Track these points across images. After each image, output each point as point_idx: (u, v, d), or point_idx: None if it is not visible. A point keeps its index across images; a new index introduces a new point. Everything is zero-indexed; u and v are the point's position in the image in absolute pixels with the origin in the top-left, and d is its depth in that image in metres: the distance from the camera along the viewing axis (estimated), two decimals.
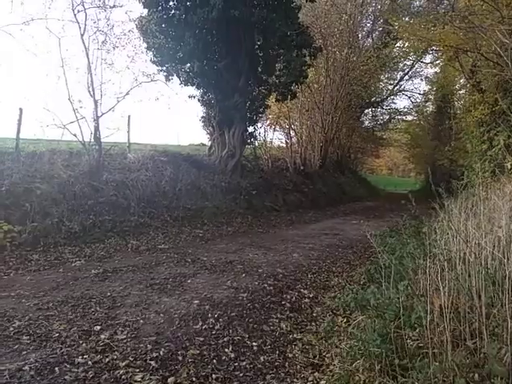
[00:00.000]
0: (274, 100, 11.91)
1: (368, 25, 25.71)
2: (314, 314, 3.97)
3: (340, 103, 19.44)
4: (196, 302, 3.97)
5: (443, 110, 28.45)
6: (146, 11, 9.81)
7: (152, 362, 2.77)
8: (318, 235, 8.54)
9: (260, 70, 10.92)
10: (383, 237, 6.92)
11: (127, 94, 8.84)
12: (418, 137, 33.71)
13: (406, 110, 32.36)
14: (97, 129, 8.25)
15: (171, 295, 4.17)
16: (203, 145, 15.92)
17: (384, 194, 29.27)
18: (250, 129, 11.74)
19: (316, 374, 2.81)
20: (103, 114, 8.47)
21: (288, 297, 4.33)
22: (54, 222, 6.38)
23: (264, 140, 13.44)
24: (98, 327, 3.29)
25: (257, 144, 12.91)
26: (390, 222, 12.10)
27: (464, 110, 14.83)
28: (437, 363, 1.93)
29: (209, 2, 8.70)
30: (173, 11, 9.71)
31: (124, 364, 2.71)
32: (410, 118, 34.00)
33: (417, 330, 2.29)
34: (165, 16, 9.13)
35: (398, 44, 27.02)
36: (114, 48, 9.03)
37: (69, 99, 7.96)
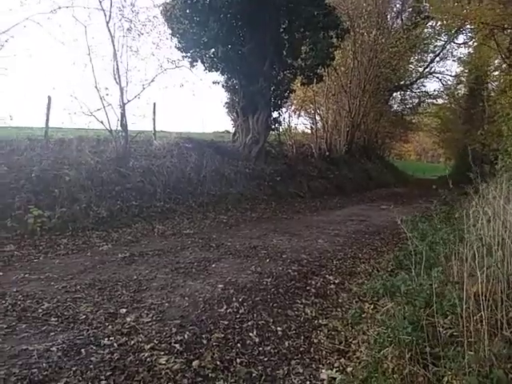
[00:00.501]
0: (299, 84, 11.65)
1: (397, 5, 24.71)
2: (340, 301, 3.88)
3: (368, 86, 18.89)
4: (220, 286, 3.97)
5: (476, 92, 27.15)
6: None
7: (177, 345, 2.78)
8: (343, 221, 8.38)
9: (285, 53, 10.68)
10: (414, 222, 6.72)
11: (152, 80, 8.86)
12: (449, 120, 32.43)
13: (436, 93, 31.13)
14: (123, 116, 8.34)
15: (196, 279, 4.19)
16: (228, 132, 15.88)
17: (412, 179, 28.50)
18: (275, 114, 11.60)
19: (342, 360, 2.74)
20: (129, 101, 8.54)
21: (313, 282, 4.26)
22: (82, 207, 6.53)
23: (288, 125, 13.25)
24: (124, 310, 3.34)
25: (281, 130, 12.73)
26: (419, 208, 11.76)
27: (499, 92, 14.04)
28: (472, 352, 1.83)
29: None
30: None
31: (149, 347, 2.73)
32: (440, 101, 32.70)
33: (449, 318, 2.17)
34: (189, 1, 9.02)
35: (429, 24, 25.94)
36: (139, 35, 9.04)
37: (95, 87, 8.07)
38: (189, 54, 10.34)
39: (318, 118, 15.20)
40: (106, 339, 2.81)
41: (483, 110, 25.83)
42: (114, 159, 8.12)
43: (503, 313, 2.17)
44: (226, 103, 11.54)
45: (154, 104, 9.42)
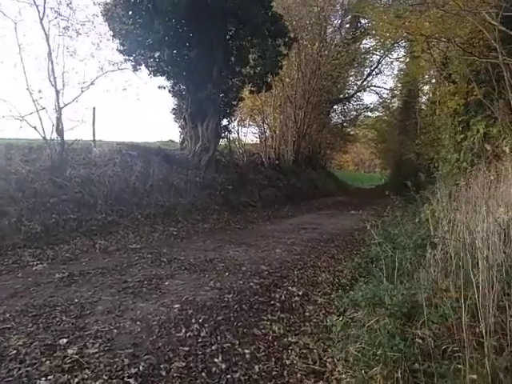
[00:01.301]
0: (247, 92, 11.53)
1: (335, 21, 25.83)
2: (307, 314, 3.66)
3: (311, 98, 19.34)
4: (177, 306, 3.56)
5: (409, 105, 29.06)
6: None
7: (131, 380, 2.37)
8: (296, 230, 8.28)
9: (233, 60, 10.49)
10: (380, 227, 6.78)
11: (92, 83, 8.17)
12: (385, 132, 34.29)
13: (373, 105, 32.92)
14: (59, 120, 7.56)
15: (148, 300, 3.73)
16: (172, 141, 15.28)
17: (352, 189, 29.62)
18: (224, 122, 11.33)
19: (320, 383, 2.49)
20: (66, 104, 7.77)
21: (277, 296, 4.00)
22: (11, 222, 5.73)
23: (238, 134, 13.07)
24: (65, 340, 2.83)
25: (231, 138, 12.51)
26: (363, 215, 12.15)
27: (436, 103, 15.02)
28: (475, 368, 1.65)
29: None
30: None
31: None
32: (377, 113, 34.65)
33: (440, 330, 2.01)
34: (132, 1, 8.52)
35: (365, 40, 27.48)
36: (77, 34, 8.34)
37: (27, 89, 7.23)
38: (132, 58, 9.74)
39: (266, 127, 15.22)
40: (44, 379, 2.33)
41: (416, 122, 27.78)
42: (48, 168, 7.31)
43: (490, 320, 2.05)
44: (173, 109, 11.06)
45: (94, 109, 8.72)
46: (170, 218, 7.86)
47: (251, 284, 4.25)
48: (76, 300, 3.70)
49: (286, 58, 11.71)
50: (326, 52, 18.98)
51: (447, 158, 9.88)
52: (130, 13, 9.23)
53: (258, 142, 15.63)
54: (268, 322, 3.37)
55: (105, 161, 8.45)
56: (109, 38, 8.96)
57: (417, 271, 3.84)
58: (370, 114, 34.68)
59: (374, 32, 18.09)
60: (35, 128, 7.20)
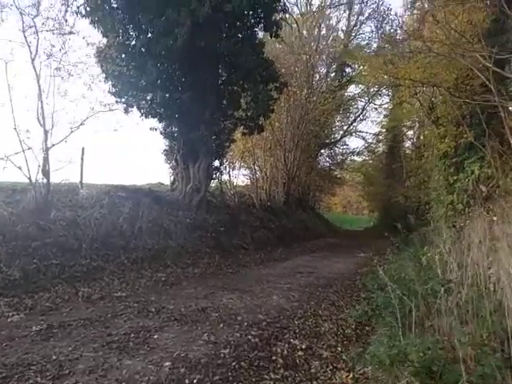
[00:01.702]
0: (239, 135, 11.58)
1: (322, 69, 26.98)
2: (313, 371, 3.30)
3: (300, 142, 19.64)
4: (167, 364, 3.18)
5: (394, 149, 29.82)
6: (104, 40, 9.28)
7: None
8: (292, 274, 7.93)
9: (225, 103, 10.60)
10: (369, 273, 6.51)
11: (82, 123, 8.04)
12: (372, 176, 34.80)
13: (358, 150, 33.67)
14: (46, 161, 7.31)
15: (134, 356, 3.33)
16: (161, 184, 15.08)
17: (341, 231, 29.42)
18: (216, 163, 11.25)
19: None
20: (54, 144, 7.58)
21: (278, 350, 3.63)
22: None
23: (229, 175, 12.97)
24: None
25: (223, 179, 12.37)
26: (358, 258, 11.88)
27: (422, 146, 15.35)
28: None
29: (173, 31, 8.35)
30: (133, 41, 9.28)
31: None
32: (362, 157, 35.40)
33: None
34: (126, 43, 8.64)
35: (350, 87, 28.67)
36: (68, 76, 8.33)
37: (14, 128, 7.05)
38: (123, 100, 9.73)
39: (257, 169, 15.20)
40: None
41: (401, 165, 28.35)
42: (32, 210, 6.96)
43: None
44: (165, 150, 10.97)
45: (83, 149, 8.53)
46: (158, 263, 7.45)
47: (249, 337, 3.88)
48: (54, 357, 3.29)
49: (279, 99, 11.90)
50: (314, 98, 19.55)
51: (440, 200, 9.85)
52: (124, 55, 9.35)
53: (249, 183, 15.57)
54: (271, 382, 3.00)
55: (92, 203, 8.14)
56: (101, 80, 8.97)
57: (428, 319, 3.57)
58: (356, 158, 35.42)
59: (360, 79, 18.82)
60: (20, 168, 6.93)
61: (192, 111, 9.54)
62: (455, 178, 8.62)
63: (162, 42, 8.58)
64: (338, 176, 37.76)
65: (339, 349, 3.80)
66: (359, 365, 3.45)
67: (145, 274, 6.82)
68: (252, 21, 10.12)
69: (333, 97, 23.30)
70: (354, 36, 26.78)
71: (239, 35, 9.72)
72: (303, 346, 3.78)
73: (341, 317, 4.89)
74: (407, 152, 28.60)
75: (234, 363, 3.25)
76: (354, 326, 4.54)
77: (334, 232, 26.07)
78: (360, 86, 28.43)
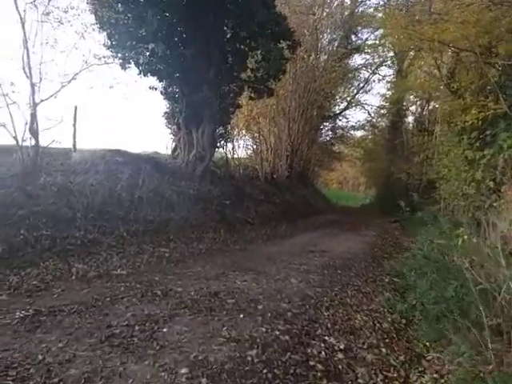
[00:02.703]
0: (247, 99, 10.66)
1: (329, 36, 25.61)
2: (361, 381, 2.70)
3: (305, 112, 18.70)
4: (184, 371, 2.54)
5: (397, 124, 29.00)
6: None
7: None
8: (304, 253, 7.33)
9: (231, 63, 9.62)
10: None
11: (74, 78, 7.17)
12: (372, 151, 34.03)
13: (361, 123, 32.73)
14: (33, 118, 6.48)
15: (141, 358, 2.70)
16: (157, 153, 14.19)
17: (338, 207, 28.92)
18: (221, 130, 10.38)
19: None
20: (42, 100, 6.72)
21: (314, 352, 3.01)
22: None
23: (233, 145, 12.14)
24: None
25: (227, 148, 11.55)
26: (367, 237, 11.36)
27: (437, 120, 14.52)
28: None
29: None
30: None
31: None
32: (364, 132, 34.52)
33: None
34: None
35: (355, 57, 27.44)
36: (58, 24, 7.34)
37: None
38: (120, 54, 8.70)
39: (261, 139, 14.35)
40: None
41: (403, 141, 27.58)
42: (18, 174, 6.20)
43: None
44: (166, 113, 10.04)
45: (76, 107, 7.66)
46: (160, 236, 6.78)
47: (277, 332, 3.25)
48: (40, 357, 2.66)
49: (292, 59, 10.87)
50: (323, 64, 18.46)
51: (462, 177, 9.13)
52: (120, 6, 8.30)
53: (253, 154, 14.77)
54: None
55: (86, 168, 7.36)
56: (95, 29, 7.95)
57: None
58: (357, 132, 34.56)
59: (374, 43, 17.63)
60: (4, 126, 6.09)
61: (195, 69, 8.60)
62: (481, 153, 7.94)
63: None
64: (338, 151, 36.98)
65: (383, 350, 3.20)
66: (413, 373, 2.87)
67: (146, 248, 6.15)
68: None
69: (339, 65, 22.16)
70: (360, 2, 25.34)
71: None
72: (341, 346, 3.17)
73: (372, 307, 4.29)
74: (409, 128, 27.85)
75: (265, 371, 2.62)
76: (390, 319, 3.95)
77: (333, 208, 25.60)
78: (364, 55, 27.40)
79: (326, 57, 20.94)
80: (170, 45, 8.38)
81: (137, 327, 3.20)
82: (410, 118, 28.97)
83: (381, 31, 21.02)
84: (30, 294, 3.96)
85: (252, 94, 10.04)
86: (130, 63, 8.84)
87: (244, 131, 14.54)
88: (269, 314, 3.65)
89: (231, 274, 5.17)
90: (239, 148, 13.82)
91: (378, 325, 3.76)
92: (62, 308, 3.56)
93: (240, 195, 10.01)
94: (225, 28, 9.59)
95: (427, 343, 3.41)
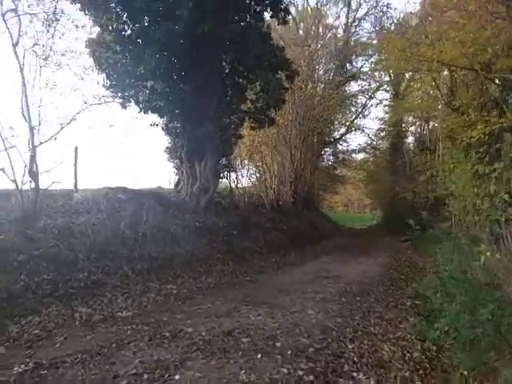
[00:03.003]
0: (246, 131, 10.65)
1: (324, 66, 26.23)
2: None
3: (306, 138, 18.78)
4: None
5: (398, 146, 29.22)
6: (97, 28, 8.33)
7: None
8: (317, 280, 7.02)
9: (230, 96, 9.68)
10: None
11: (73, 119, 7.13)
12: (375, 173, 34.09)
13: (361, 147, 32.89)
14: (33, 160, 6.38)
15: None
16: (160, 188, 14.11)
17: (345, 230, 28.53)
18: (223, 161, 10.30)
19: None
20: (42, 143, 6.65)
21: None
22: None
23: (236, 174, 12.03)
24: None
25: (231, 178, 11.42)
26: (380, 259, 10.99)
27: (439, 138, 14.44)
28: None
29: (174, 13, 7.45)
30: (128, 31, 8.34)
31: None
32: (365, 155, 34.64)
33: None
34: (120, 28, 7.70)
35: (351, 84, 27.95)
36: (57, 67, 7.41)
37: None
38: (119, 94, 8.75)
39: (265, 167, 14.27)
40: None
41: (404, 162, 27.61)
42: (18, 218, 6.03)
43: None
44: (167, 148, 10.02)
45: (76, 148, 7.60)
46: (166, 272, 6.51)
47: (300, 373, 2.94)
48: None
49: (290, 89, 10.92)
50: (320, 92, 18.71)
51: (474, 192, 8.87)
52: (118, 45, 8.43)
53: (256, 182, 14.65)
54: None
55: (88, 207, 7.21)
56: (94, 69, 8.02)
57: None
58: (358, 155, 34.70)
59: (373, 66, 17.82)
60: (3, 170, 5.98)
61: (195, 104, 8.62)
62: (491, 167, 7.73)
63: (160, 26, 7.67)
64: (341, 174, 37.02)
65: None
66: None
67: (152, 286, 5.87)
68: (259, 5, 9.22)
69: (336, 92, 22.49)
70: (353, 32, 26.07)
71: (246, 19, 8.81)
72: (372, 383, 2.85)
73: (398, 335, 3.96)
74: (410, 148, 27.99)
75: None
76: (419, 347, 3.62)
77: (340, 231, 25.21)
78: (361, 82, 27.93)
79: (323, 85, 21.31)
80: (169, 82, 8.45)
81: (145, 376, 2.92)
82: (411, 139, 29.16)
83: (376, 57, 21.54)
84: (31, 345, 3.69)
85: (253, 124, 10.04)
86: (129, 101, 8.89)
87: (247, 161, 14.48)
88: (289, 352, 3.35)
89: (243, 308, 4.86)
90: (243, 177, 13.73)
91: (407, 355, 3.43)
92: (64, 359, 3.29)
93: (246, 224, 9.78)
94: (223, 63, 9.71)
95: (465, 372, 3.09)
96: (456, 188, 12.90)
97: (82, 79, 7.55)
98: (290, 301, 5.27)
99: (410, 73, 19.43)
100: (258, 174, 15.16)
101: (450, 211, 13.76)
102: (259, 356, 3.26)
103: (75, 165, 7.64)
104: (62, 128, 7.01)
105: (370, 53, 23.22)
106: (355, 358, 3.30)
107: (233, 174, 11.28)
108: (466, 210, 11.13)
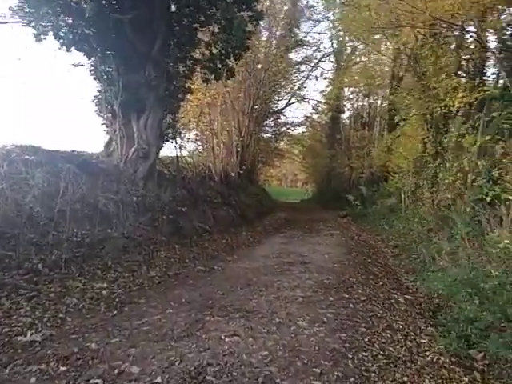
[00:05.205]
0: (197, 84, 8.86)
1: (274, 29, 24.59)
2: None
3: (255, 105, 17.30)
4: None
5: (337, 120, 29.36)
6: None
7: None
8: (284, 268, 5.87)
9: (179, 37, 7.77)
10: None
11: None
12: (313, 147, 34.15)
13: (302, 121, 32.35)
14: None
15: None
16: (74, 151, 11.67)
17: (281, 203, 28.22)
18: (169, 120, 8.48)
19: None
20: None
21: None
22: None
23: (182, 139, 10.24)
24: None
25: (178, 142, 9.57)
26: (333, 238, 10.26)
27: (396, 109, 13.85)
28: None
29: None
30: None
31: None
32: (303, 129, 34.26)
33: None
34: None
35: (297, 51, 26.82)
36: None
37: None
38: (33, 23, 6.42)
39: (213, 133, 12.56)
40: None
41: (345, 136, 27.81)
42: None
43: None
44: (95, 97, 7.83)
45: None
46: (93, 265, 4.83)
47: None
48: None
49: (255, 33, 9.18)
50: (274, 51, 17.27)
51: (444, 166, 8.24)
52: None
53: (203, 151, 12.99)
54: None
55: None
56: None
57: None
58: (298, 129, 34.20)
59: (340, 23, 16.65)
60: None
61: (135, 42, 6.71)
62: (470, 140, 7.11)
63: None
64: (279, 147, 36.50)
65: None
66: None
67: (73, 286, 4.19)
68: None
69: (284, 57, 21.16)
70: None
71: None
72: None
73: (430, 358, 2.92)
74: (348, 123, 28.20)
75: None
76: (467, 379, 2.61)
77: (278, 205, 24.72)
78: (305, 51, 26.92)
79: (275, 49, 19.83)
80: (102, 8, 6.30)
81: None
82: (349, 113, 29.16)
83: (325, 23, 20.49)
84: None
85: (207, 76, 8.22)
86: (46, 34, 6.56)
87: (194, 124, 12.65)
88: None
89: (209, 321, 3.48)
90: (188, 143, 12.00)
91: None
92: None
93: (194, 199, 8.22)
94: None
95: None
96: (407, 164, 12.55)
97: None
98: (267, 304, 4.00)
99: (356, 43, 18.79)
100: (204, 141, 13.45)
101: (397, 187, 13.52)
102: None
103: None
104: None
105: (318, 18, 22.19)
106: None
107: (178, 139, 9.47)
108: (419, 186, 10.77)
